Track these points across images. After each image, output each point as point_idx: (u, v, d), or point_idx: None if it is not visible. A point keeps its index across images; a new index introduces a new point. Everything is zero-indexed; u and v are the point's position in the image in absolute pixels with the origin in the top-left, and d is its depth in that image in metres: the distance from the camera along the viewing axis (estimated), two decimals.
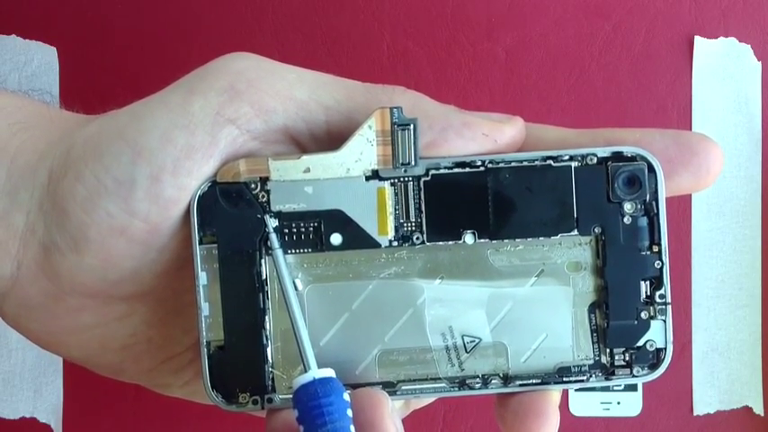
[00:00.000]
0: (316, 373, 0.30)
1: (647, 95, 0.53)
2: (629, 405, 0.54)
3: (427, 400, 0.35)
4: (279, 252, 0.32)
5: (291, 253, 0.32)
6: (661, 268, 0.32)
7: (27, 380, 0.53)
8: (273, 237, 0.32)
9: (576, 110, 0.53)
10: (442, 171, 0.32)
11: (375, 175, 0.32)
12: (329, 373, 0.31)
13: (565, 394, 0.53)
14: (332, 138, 0.32)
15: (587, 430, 0.54)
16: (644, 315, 0.33)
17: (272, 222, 0.32)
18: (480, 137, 0.32)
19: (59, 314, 0.33)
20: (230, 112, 0.31)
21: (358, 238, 0.32)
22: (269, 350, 0.32)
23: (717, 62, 0.53)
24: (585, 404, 0.54)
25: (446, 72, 0.53)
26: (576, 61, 0.53)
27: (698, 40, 0.53)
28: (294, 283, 0.32)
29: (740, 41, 0.53)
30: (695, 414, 0.53)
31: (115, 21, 0.53)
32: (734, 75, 0.53)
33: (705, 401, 0.53)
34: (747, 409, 0.53)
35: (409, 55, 0.53)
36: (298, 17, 0.53)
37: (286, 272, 0.32)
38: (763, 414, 0.53)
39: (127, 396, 0.53)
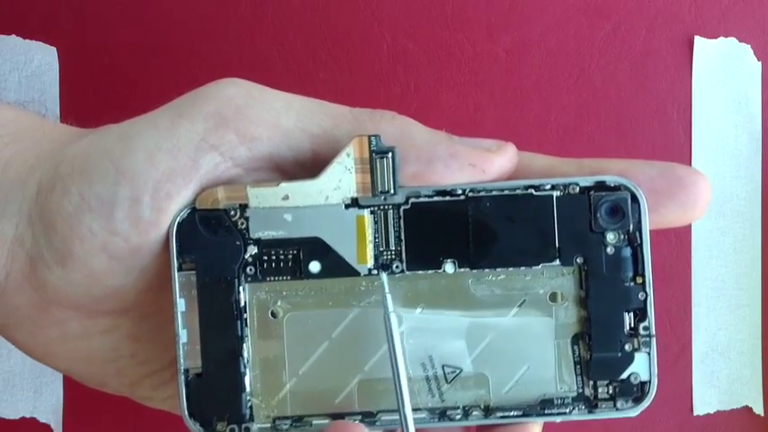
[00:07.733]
0: None
1: (647, 95, 0.53)
2: None
3: None
4: (392, 315, 0.31)
5: (270, 281, 0.32)
6: (645, 300, 0.32)
7: (27, 380, 0.53)
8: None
9: (576, 110, 0.53)
10: (422, 199, 0.32)
11: (354, 202, 0.32)
12: None
13: None
14: (318, 164, 0.32)
15: (587, 430, 0.53)
16: (628, 347, 0.32)
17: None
18: (468, 167, 0.32)
19: (44, 325, 0.33)
20: (214, 139, 0.31)
21: (337, 267, 0.32)
22: (247, 378, 0.32)
23: (717, 62, 0.53)
24: None
25: (446, 72, 0.53)
26: (576, 61, 0.53)
27: (698, 40, 0.52)
28: (273, 311, 0.32)
29: (740, 41, 0.52)
30: (695, 414, 0.53)
31: (115, 21, 0.53)
32: (734, 75, 0.53)
33: (705, 401, 0.53)
34: (747, 409, 0.53)
35: (409, 55, 0.53)
36: (298, 17, 0.53)
37: (397, 335, 0.31)
38: (763, 414, 0.53)
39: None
